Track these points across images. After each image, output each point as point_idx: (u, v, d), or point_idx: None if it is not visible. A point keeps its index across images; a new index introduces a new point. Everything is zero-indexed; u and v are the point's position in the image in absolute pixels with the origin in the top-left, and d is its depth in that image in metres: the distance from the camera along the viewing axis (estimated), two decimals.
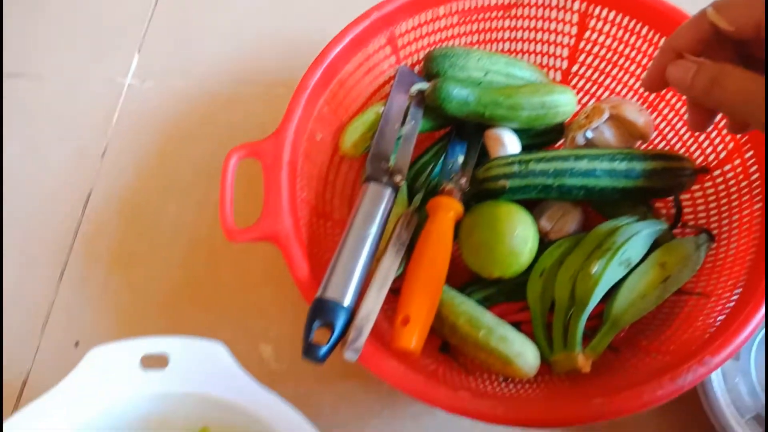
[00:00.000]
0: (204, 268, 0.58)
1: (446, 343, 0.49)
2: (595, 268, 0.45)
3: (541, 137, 0.54)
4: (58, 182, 0.63)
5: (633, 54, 0.54)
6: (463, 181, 0.51)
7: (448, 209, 0.48)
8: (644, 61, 0.54)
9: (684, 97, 0.52)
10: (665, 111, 0.54)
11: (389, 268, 0.43)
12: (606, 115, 0.51)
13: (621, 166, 0.49)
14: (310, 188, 0.50)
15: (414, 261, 0.46)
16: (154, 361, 0.41)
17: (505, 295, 0.50)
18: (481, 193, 0.50)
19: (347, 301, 0.41)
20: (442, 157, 0.54)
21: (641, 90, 0.55)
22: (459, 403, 0.38)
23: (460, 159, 0.53)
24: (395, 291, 0.45)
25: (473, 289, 0.51)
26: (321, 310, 0.40)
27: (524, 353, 0.44)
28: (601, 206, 0.53)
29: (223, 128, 0.64)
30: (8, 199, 0.62)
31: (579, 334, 0.45)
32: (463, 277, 0.51)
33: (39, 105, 0.67)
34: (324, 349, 0.38)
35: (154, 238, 0.60)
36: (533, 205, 0.52)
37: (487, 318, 0.46)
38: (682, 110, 0.53)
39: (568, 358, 0.45)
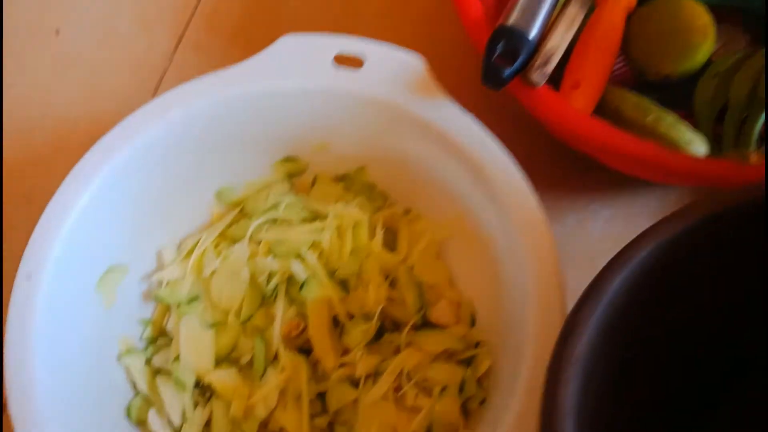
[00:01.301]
0: None
1: None
2: None
3: None
4: None
5: None
6: None
7: None
8: None
9: None
10: None
11: (575, 15, 0.40)
12: None
13: None
14: None
15: (585, 34, 0.42)
16: (349, 62, 0.39)
17: (665, 103, 0.47)
18: None
19: (532, 34, 0.37)
20: None
21: None
22: (645, 150, 0.35)
23: None
24: None
25: None
26: (504, 37, 0.37)
27: (695, 141, 0.41)
28: None
29: None
30: None
31: (756, 132, 0.41)
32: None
33: None
34: (508, 71, 0.35)
35: (277, 21, 0.56)
36: None
37: (655, 107, 0.42)
38: None
39: (739, 155, 0.41)
